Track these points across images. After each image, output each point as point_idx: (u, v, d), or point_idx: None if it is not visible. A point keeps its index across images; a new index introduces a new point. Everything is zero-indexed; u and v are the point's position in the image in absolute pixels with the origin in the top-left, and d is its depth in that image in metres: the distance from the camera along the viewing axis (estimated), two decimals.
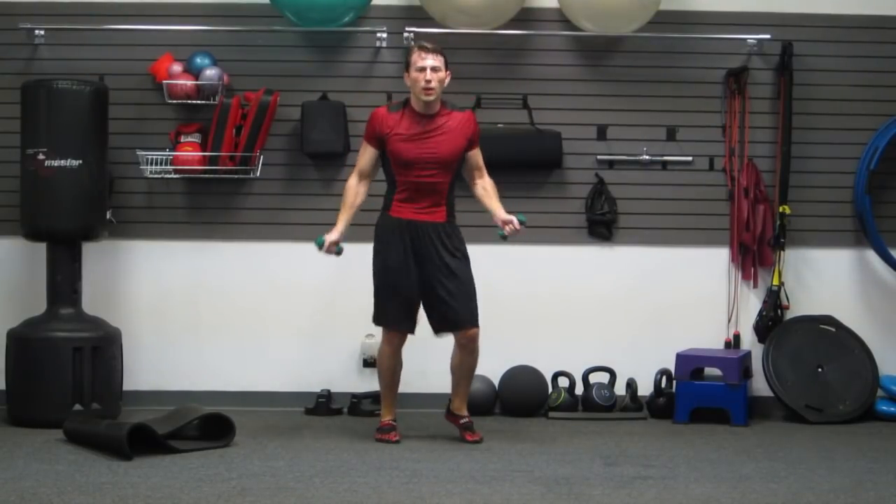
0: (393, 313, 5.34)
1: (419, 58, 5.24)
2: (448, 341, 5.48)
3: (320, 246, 5.33)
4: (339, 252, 5.36)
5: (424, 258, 5.28)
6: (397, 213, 5.32)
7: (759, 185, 6.27)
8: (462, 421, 5.47)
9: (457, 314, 5.31)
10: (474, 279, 5.35)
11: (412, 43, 5.31)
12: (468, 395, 5.54)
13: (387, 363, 5.43)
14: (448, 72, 5.29)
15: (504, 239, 5.33)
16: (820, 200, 6.31)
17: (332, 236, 5.33)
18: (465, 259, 5.35)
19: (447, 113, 5.34)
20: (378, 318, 5.38)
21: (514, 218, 5.28)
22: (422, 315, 5.41)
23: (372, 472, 4.67)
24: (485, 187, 5.41)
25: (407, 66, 5.30)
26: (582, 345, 6.21)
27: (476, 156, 5.40)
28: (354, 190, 5.38)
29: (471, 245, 5.38)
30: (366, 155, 5.38)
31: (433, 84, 5.22)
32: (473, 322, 5.34)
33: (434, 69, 5.21)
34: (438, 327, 5.36)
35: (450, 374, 5.50)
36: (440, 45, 5.32)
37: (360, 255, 6.02)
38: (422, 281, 5.29)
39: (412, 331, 5.38)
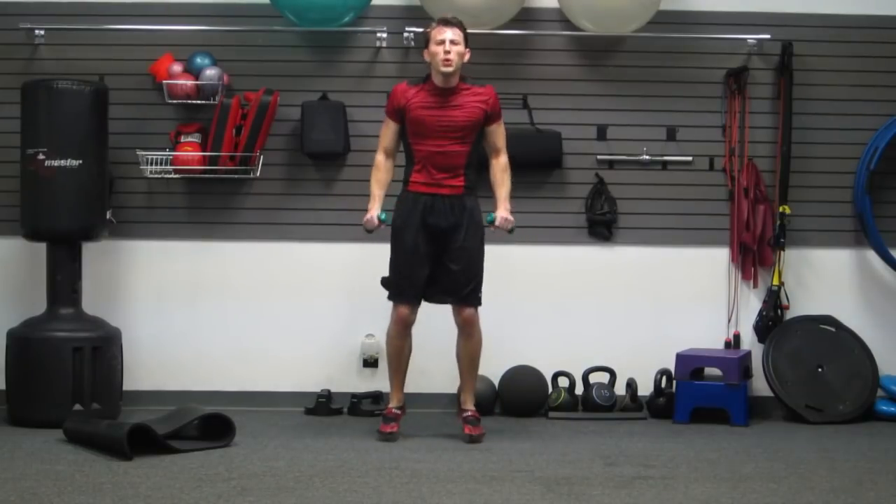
0: (406, 289, 5.37)
1: (439, 31, 5.31)
2: (451, 341, 5.49)
3: (388, 221, 5.43)
4: (386, 221, 5.45)
5: (438, 232, 5.34)
6: (415, 187, 5.38)
7: (759, 185, 6.27)
8: (465, 414, 5.48)
9: (456, 291, 5.36)
10: (484, 257, 5.41)
11: (431, 24, 5.42)
12: (474, 388, 5.57)
13: (395, 343, 5.46)
14: (468, 49, 5.35)
15: (490, 224, 5.42)
16: (820, 200, 6.31)
17: (378, 211, 5.40)
18: (480, 235, 5.41)
19: (467, 88, 5.39)
20: (393, 294, 5.42)
21: (509, 220, 5.39)
22: (421, 317, 5.46)
23: (372, 472, 4.68)
24: (495, 174, 5.46)
25: (426, 42, 5.35)
26: (582, 345, 6.21)
27: (495, 133, 5.44)
28: (385, 166, 5.47)
29: None
30: (388, 130, 5.45)
31: (452, 56, 5.26)
32: (471, 302, 5.39)
33: (453, 42, 5.27)
34: (437, 298, 5.42)
35: (449, 373, 5.54)
36: (461, 20, 5.38)
37: (360, 256, 6.04)
38: (433, 255, 5.35)
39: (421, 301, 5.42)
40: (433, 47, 5.31)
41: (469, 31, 5.43)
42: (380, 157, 5.47)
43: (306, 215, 6.23)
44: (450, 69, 5.29)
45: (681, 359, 6.01)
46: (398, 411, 5.49)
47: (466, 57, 5.36)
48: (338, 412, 6.06)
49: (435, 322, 5.50)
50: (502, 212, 5.43)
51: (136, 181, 6.17)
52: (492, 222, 5.44)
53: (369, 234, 5.50)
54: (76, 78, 5.79)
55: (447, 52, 5.26)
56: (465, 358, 5.49)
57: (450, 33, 5.29)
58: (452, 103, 5.34)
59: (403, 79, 5.76)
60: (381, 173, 5.46)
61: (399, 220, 5.40)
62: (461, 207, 5.37)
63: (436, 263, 5.39)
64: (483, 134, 5.42)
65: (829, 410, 5.99)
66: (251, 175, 6.14)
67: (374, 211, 5.42)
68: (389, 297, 5.45)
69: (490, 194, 5.51)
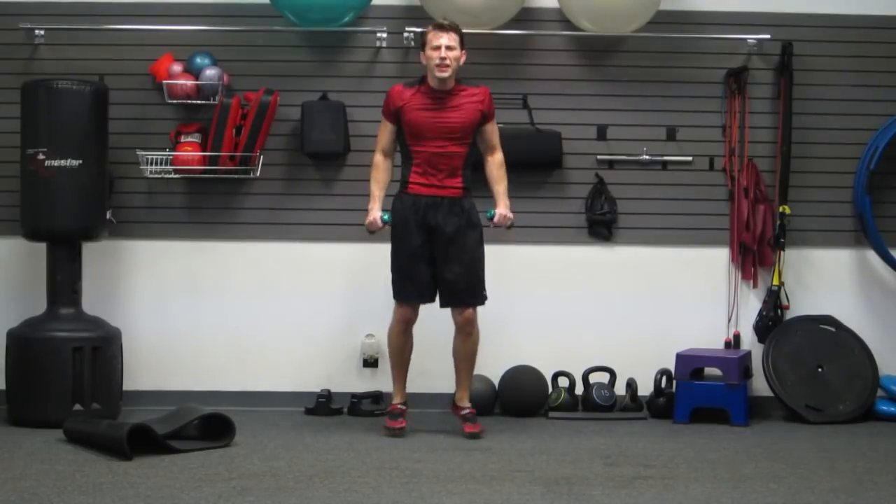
0: (408, 289, 5.40)
1: (435, 36, 5.35)
2: (450, 339, 5.50)
3: (392, 222, 5.45)
4: (389, 221, 5.48)
5: (438, 233, 5.37)
6: (414, 189, 5.42)
7: (759, 185, 6.27)
8: (463, 412, 5.51)
9: (457, 292, 5.40)
10: (484, 257, 5.45)
11: (428, 26, 5.46)
12: (470, 386, 5.59)
13: (396, 341, 5.51)
14: (464, 51, 5.38)
15: (490, 220, 5.46)
16: (820, 200, 6.31)
17: (380, 213, 5.44)
18: (478, 235, 5.44)
19: (462, 89, 5.44)
20: (395, 294, 5.46)
21: (508, 217, 5.43)
22: (421, 317, 5.48)
23: (372, 472, 4.68)
24: (492, 170, 5.50)
25: (423, 45, 5.40)
26: (582, 345, 6.21)
27: (490, 132, 5.49)
28: (384, 166, 5.52)
29: None
30: (385, 131, 5.50)
31: (448, 61, 5.30)
32: (471, 302, 5.42)
33: (449, 48, 5.31)
34: (443, 302, 5.46)
35: (449, 373, 5.57)
36: (456, 23, 5.40)
37: (360, 256, 6.04)
38: (434, 255, 5.38)
39: (430, 300, 5.46)
40: (429, 52, 5.35)
41: (469, 31, 5.45)
42: (378, 157, 5.52)
43: (306, 215, 6.23)
44: (445, 74, 5.33)
45: (681, 359, 6.01)
46: (403, 407, 5.52)
47: (462, 60, 5.41)
48: (338, 412, 6.06)
49: (435, 321, 5.51)
50: (502, 209, 5.49)
51: (136, 181, 6.17)
52: (491, 218, 5.49)
53: (371, 234, 5.52)
54: (76, 78, 5.79)
55: (443, 59, 5.31)
56: (463, 357, 5.52)
57: (445, 38, 5.32)
58: (449, 105, 5.38)
59: (403, 79, 5.79)
60: (381, 173, 5.50)
61: (399, 221, 5.43)
62: (460, 209, 5.40)
63: (436, 265, 5.39)
64: (478, 133, 5.46)
65: (829, 410, 5.99)
66: (251, 175, 6.14)
67: (376, 212, 5.46)
68: (393, 297, 5.48)
69: (485, 193, 5.53)
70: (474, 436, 5.38)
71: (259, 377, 6.22)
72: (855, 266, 6.36)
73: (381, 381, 6.10)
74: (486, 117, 5.45)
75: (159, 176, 6.13)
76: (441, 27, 5.37)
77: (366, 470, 4.73)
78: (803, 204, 6.27)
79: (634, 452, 5.18)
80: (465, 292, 5.42)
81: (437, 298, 5.48)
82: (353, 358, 6.25)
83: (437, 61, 5.30)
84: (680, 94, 6.29)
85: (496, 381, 6.13)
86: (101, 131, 5.80)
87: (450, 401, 5.83)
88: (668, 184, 6.30)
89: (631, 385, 6.09)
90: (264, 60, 6.22)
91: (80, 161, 5.66)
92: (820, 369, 6.09)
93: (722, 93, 6.30)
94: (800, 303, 6.27)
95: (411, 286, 5.41)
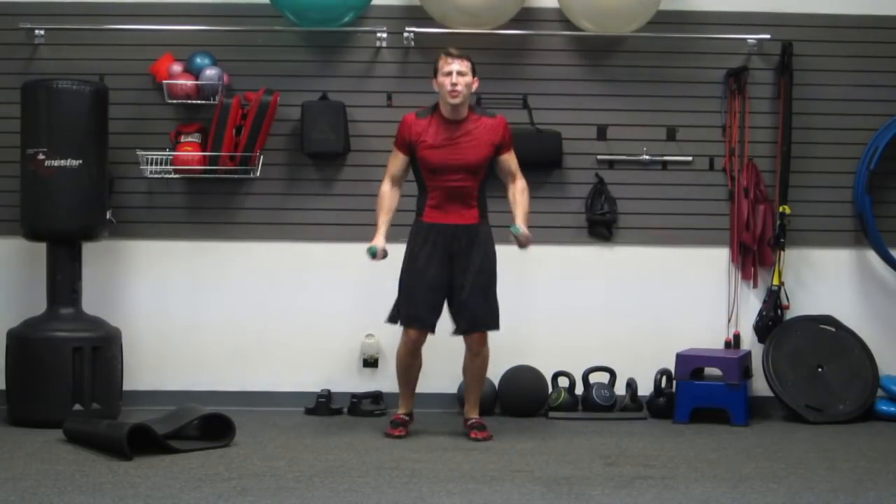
0: (419, 314, 5.37)
1: (445, 63, 5.32)
2: (452, 342, 5.50)
3: (374, 255, 5.40)
4: (385, 256, 5.43)
5: (453, 260, 5.36)
6: (429, 217, 5.40)
7: (759, 185, 6.28)
8: (469, 422, 5.52)
9: (477, 319, 5.39)
10: (496, 282, 5.43)
11: (440, 53, 5.42)
12: (479, 400, 5.60)
13: (404, 362, 5.51)
14: (475, 78, 5.37)
15: (515, 236, 5.39)
16: (820, 200, 6.31)
17: (381, 243, 5.40)
18: (492, 262, 5.42)
19: (476, 119, 5.40)
20: (402, 319, 5.42)
21: (530, 237, 5.35)
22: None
23: (372, 472, 4.68)
24: (514, 196, 5.46)
25: (435, 72, 5.37)
26: (582, 345, 6.22)
27: (508, 160, 5.46)
28: (389, 195, 5.47)
29: None
30: (396, 161, 5.46)
31: (459, 87, 5.29)
32: (489, 328, 5.42)
33: (460, 73, 5.30)
34: (461, 328, 5.44)
35: (449, 374, 5.58)
36: (467, 52, 5.39)
37: (360, 257, 6.03)
38: (447, 281, 5.36)
39: (433, 331, 5.43)
40: (441, 78, 5.33)
41: (469, 31, 5.44)
42: (385, 188, 5.46)
43: (306, 215, 6.23)
44: (457, 100, 5.31)
45: (681, 359, 6.01)
46: (406, 417, 5.53)
47: (474, 86, 5.39)
48: (338, 412, 6.06)
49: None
50: (524, 227, 5.38)
51: (136, 181, 6.17)
52: (516, 235, 5.37)
53: (372, 259, 5.45)
54: (76, 78, 5.79)
55: (454, 84, 5.28)
56: (473, 374, 5.54)
57: (456, 65, 5.31)
58: (463, 140, 5.35)
59: (402, 78, 5.78)
60: (386, 201, 5.46)
61: (414, 247, 5.40)
62: (476, 234, 5.38)
63: (452, 292, 5.38)
64: (496, 163, 5.43)
65: (829, 410, 5.99)
66: (251, 175, 6.14)
67: (382, 242, 5.40)
68: (400, 322, 5.44)
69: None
70: (478, 441, 5.39)
71: (259, 377, 6.23)
72: (855, 266, 6.36)
73: (381, 381, 6.11)
74: (500, 149, 5.41)
75: (159, 176, 6.13)
76: (451, 54, 5.34)
77: (366, 470, 4.73)
78: (803, 204, 6.27)
79: (634, 452, 5.18)
80: (487, 318, 5.41)
81: (453, 325, 5.44)
82: (353, 358, 6.25)
83: (449, 87, 5.28)
84: (680, 94, 6.30)
85: (496, 381, 6.13)
86: (101, 131, 5.80)
87: (451, 401, 5.86)
88: (668, 184, 6.30)
89: (631, 385, 6.09)
90: (264, 60, 6.22)
91: (80, 161, 5.66)
92: (820, 369, 6.09)
93: (722, 93, 6.30)
94: (800, 303, 6.27)
95: (422, 310, 5.36)
